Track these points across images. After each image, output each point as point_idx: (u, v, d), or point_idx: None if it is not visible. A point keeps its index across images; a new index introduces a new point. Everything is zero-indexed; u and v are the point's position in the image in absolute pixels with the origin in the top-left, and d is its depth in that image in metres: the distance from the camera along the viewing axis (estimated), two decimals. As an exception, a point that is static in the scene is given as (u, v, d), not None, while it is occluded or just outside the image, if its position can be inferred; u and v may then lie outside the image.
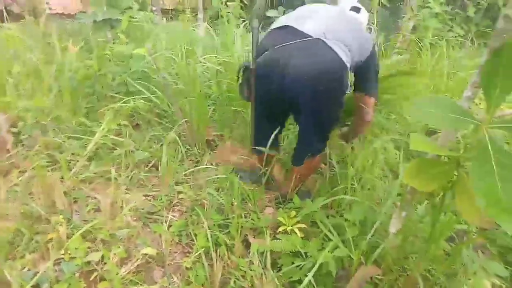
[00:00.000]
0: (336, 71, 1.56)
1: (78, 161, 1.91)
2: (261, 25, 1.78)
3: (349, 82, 1.66)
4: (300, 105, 1.62)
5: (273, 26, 1.75)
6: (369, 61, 1.76)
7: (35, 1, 5.63)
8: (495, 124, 0.92)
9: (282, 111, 1.80)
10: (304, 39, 1.56)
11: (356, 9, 1.81)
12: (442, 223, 1.34)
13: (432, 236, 1.30)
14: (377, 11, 3.76)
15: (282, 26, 1.68)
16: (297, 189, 1.94)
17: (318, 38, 1.56)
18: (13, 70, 2.53)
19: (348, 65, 1.59)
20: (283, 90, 1.58)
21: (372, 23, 3.63)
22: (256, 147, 1.82)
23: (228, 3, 3.53)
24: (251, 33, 1.65)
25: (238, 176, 1.89)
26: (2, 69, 2.42)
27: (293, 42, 1.56)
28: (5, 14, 4.55)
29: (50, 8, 5.25)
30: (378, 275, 1.37)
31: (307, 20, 1.64)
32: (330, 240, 1.42)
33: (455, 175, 1.07)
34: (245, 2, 4.19)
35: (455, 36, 3.65)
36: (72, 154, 1.97)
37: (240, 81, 1.76)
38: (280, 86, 1.58)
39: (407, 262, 1.44)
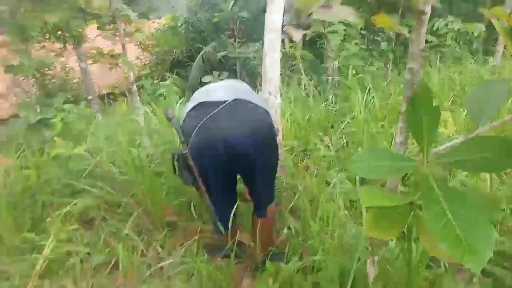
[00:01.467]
0: (266, 120, 1.69)
1: (28, 283, 1.72)
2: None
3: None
4: (251, 161, 1.63)
5: (186, 111, 1.74)
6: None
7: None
8: (433, 162, 0.95)
9: (230, 178, 1.79)
10: (223, 104, 1.60)
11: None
12: (418, 254, 1.35)
13: (411, 271, 1.30)
14: (301, 57, 4.00)
15: (195, 106, 1.68)
16: (269, 249, 1.89)
17: (236, 99, 1.64)
18: None
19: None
20: (229, 155, 1.58)
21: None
22: (218, 224, 1.78)
23: (161, 82, 3.59)
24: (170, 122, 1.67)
25: (206, 255, 1.81)
26: None
27: (215, 111, 1.58)
28: None
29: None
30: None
31: (213, 93, 1.73)
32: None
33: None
34: (180, 76, 4.31)
35: (377, 69, 3.98)
36: (21, 277, 1.78)
37: (176, 170, 1.73)
38: (225, 153, 1.57)
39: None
